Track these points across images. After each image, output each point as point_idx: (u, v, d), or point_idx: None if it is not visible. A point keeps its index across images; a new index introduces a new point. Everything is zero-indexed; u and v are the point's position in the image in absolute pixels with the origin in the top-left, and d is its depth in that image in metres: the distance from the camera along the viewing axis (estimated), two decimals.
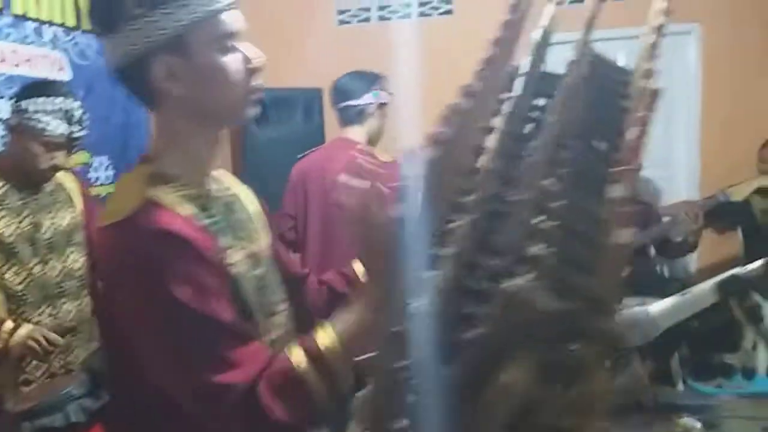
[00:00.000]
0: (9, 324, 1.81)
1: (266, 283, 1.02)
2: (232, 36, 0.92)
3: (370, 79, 2.54)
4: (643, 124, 0.96)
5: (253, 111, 0.98)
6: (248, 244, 1.01)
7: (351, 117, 2.48)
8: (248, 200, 1.10)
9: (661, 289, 3.68)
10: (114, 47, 0.90)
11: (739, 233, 3.74)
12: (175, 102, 0.92)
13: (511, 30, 1.16)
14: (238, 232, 1.01)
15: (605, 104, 1.12)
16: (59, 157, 1.90)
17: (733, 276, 1.10)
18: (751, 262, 3.60)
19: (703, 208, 3.30)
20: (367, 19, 4.02)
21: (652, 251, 3.78)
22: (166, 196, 0.91)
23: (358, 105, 2.47)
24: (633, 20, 3.78)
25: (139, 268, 0.85)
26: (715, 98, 3.82)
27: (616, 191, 0.82)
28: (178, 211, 0.90)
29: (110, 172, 3.06)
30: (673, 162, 4.03)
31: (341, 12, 3.93)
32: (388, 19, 4.00)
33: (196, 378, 0.84)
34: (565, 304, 0.67)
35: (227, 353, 0.84)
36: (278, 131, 3.67)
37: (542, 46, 1.33)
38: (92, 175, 2.97)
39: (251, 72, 0.95)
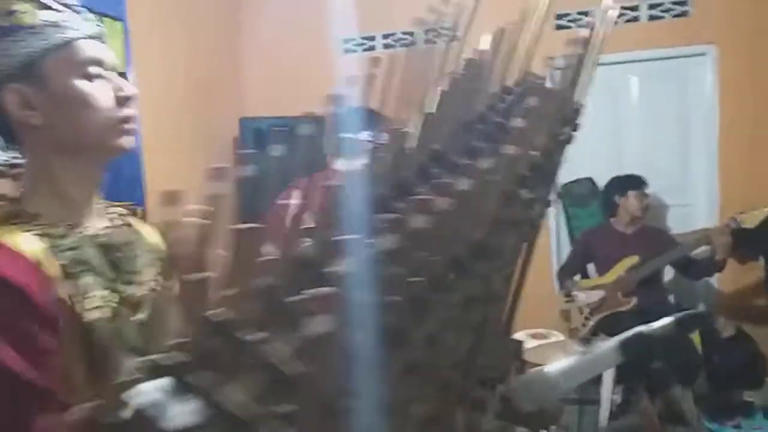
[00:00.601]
0: None
1: (152, 327, 0.95)
2: (92, 63, 0.89)
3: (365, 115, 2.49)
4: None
5: (127, 142, 0.93)
6: (126, 288, 0.94)
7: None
8: (149, 241, 1.03)
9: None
10: None
11: (762, 262, 3.56)
12: (36, 133, 0.89)
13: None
14: (115, 274, 0.94)
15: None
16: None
17: (638, 334, 0.98)
18: None
19: (726, 229, 3.16)
20: (372, 48, 4.01)
21: (667, 278, 3.63)
22: (13, 236, 0.85)
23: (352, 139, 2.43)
24: (645, 43, 3.69)
25: None
26: (734, 122, 3.67)
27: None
28: (25, 252, 0.84)
29: None
30: (692, 189, 3.87)
31: (347, 41, 3.93)
32: (393, 46, 3.97)
33: None
34: None
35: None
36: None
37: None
38: None
39: (121, 100, 0.91)
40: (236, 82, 4.09)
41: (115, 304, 0.90)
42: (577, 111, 1.41)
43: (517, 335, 2.94)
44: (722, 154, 3.72)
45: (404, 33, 3.96)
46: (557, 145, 1.22)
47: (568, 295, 3.50)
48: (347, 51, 3.93)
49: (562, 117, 1.30)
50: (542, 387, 0.93)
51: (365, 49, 4.01)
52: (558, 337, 2.86)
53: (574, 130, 1.42)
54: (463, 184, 0.83)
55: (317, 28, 3.96)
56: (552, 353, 2.37)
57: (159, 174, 3.10)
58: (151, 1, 3.22)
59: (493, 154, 0.97)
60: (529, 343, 2.74)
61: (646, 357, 0.95)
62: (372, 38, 4.01)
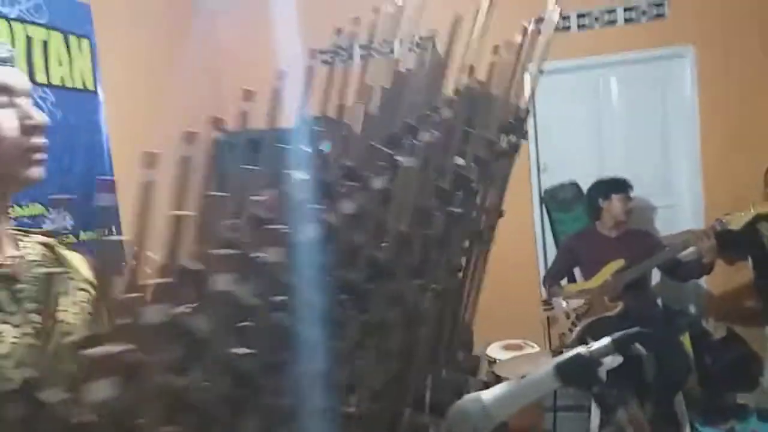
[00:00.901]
0: None
1: (62, 356, 0.89)
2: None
3: None
4: None
5: (36, 172, 0.90)
6: (32, 318, 0.89)
7: None
8: (74, 268, 0.99)
9: (669, 324, 3.48)
10: None
11: (749, 262, 3.52)
12: None
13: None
14: (17, 307, 0.88)
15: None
16: None
17: (575, 357, 0.94)
18: (764, 291, 3.39)
19: (711, 231, 3.12)
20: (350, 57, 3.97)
21: (654, 281, 3.58)
22: None
23: None
24: (623, 46, 3.68)
25: None
26: (715, 122, 3.66)
27: None
28: None
29: (68, 223, 3.03)
30: (675, 189, 3.84)
31: (322, 52, 3.91)
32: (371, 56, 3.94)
33: None
34: None
35: None
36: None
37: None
38: (48, 226, 2.94)
39: (28, 129, 0.88)
40: (210, 98, 4.06)
41: (14, 339, 0.85)
42: (520, 118, 1.37)
43: (491, 347, 2.91)
44: (704, 154, 3.70)
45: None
46: (497, 154, 1.19)
47: (547, 303, 3.45)
48: (325, 62, 3.90)
49: (501, 125, 1.26)
50: (477, 415, 0.87)
51: (342, 60, 3.98)
52: (532, 348, 2.79)
53: (520, 137, 1.39)
54: (353, 203, 0.80)
55: (292, 40, 3.94)
56: (523, 367, 2.32)
57: (131, 197, 3.05)
58: (118, 18, 3.19)
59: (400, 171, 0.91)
60: (503, 355, 2.69)
61: (585, 380, 0.89)
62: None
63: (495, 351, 2.83)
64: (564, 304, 3.40)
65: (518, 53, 1.33)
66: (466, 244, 1.19)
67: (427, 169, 0.94)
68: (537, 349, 2.79)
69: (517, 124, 1.31)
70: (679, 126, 3.77)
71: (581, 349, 0.95)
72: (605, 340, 0.96)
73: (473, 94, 1.19)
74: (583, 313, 3.33)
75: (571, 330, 3.36)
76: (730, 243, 3.24)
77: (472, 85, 1.23)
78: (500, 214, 1.38)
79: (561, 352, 2.18)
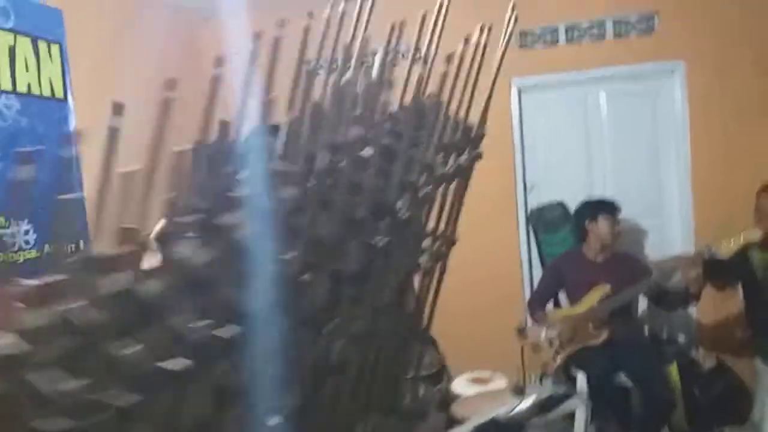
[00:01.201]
0: None
1: None
2: None
3: None
4: None
5: None
6: None
7: None
8: None
9: (656, 353, 3.32)
10: None
11: (740, 291, 3.36)
12: None
13: None
14: None
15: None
16: None
17: (492, 422, 0.83)
18: (754, 321, 3.24)
19: (699, 258, 2.96)
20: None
21: (641, 309, 3.43)
22: None
23: None
24: (612, 60, 3.54)
25: None
26: (706, 140, 3.52)
27: None
28: None
29: (31, 237, 2.84)
30: (665, 210, 3.70)
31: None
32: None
33: None
34: None
35: None
36: None
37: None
38: (9, 240, 2.74)
39: None
40: (187, 106, 3.89)
41: None
42: (470, 137, 1.20)
43: (458, 379, 2.73)
44: (695, 173, 3.55)
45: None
46: (438, 178, 1.02)
47: (521, 332, 3.29)
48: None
49: (446, 145, 1.09)
50: None
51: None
52: (500, 383, 2.59)
53: (473, 158, 1.22)
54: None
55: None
56: (483, 405, 2.14)
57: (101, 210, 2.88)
58: (91, 23, 3.03)
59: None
60: (468, 390, 2.51)
61: None
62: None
63: (461, 384, 2.64)
64: (543, 333, 3.24)
65: (472, 63, 1.18)
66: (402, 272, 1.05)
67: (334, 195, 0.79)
68: (504, 383, 2.58)
69: (465, 144, 1.14)
70: (669, 144, 3.63)
71: (502, 412, 0.87)
72: (530, 400, 0.87)
73: (415, 112, 1.02)
74: (567, 340, 3.16)
75: (554, 359, 3.20)
76: (718, 271, 3.09)
77: (415, 101, 1.07)
78: (451, 242, 1.22)
79: (522, 390, 2.01)
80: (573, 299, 3.28)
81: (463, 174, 1.05)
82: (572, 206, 3.50)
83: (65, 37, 2.95)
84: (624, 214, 3.43)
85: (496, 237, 3.70)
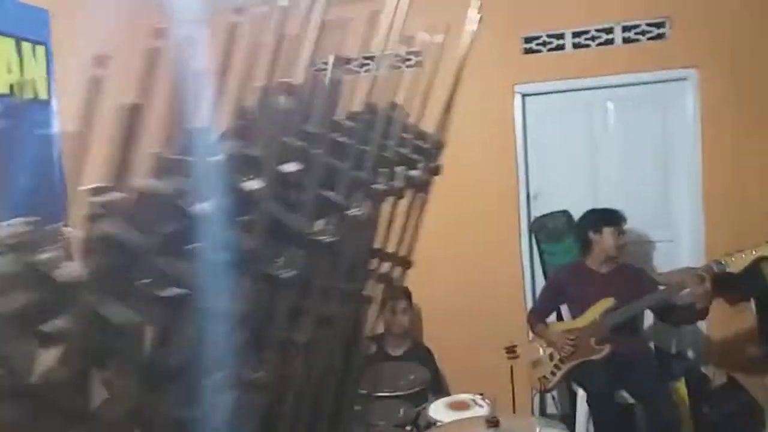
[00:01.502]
0: None
1: None
2: None
3: None
4: None
5: None
6: None
7: None
8: None
9: (662, 369, 3.21)
10: None
11: (752, 305, 3.24)
12: None
13: None
14: None
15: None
16: None
17: None
18: (767, 335, 3.10)
19: (707, 274, 2.85)
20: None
21: (647, 323, 3.32)
22: None
23: None
24: (621, 67, 3.44)
25: None
26: (718, 151, 3.40)
27: None
28: None
29: None
30: (675, 223, 3.58)
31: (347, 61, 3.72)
32: (357, 72, 3.74)
33: None
34: None
35: None
36: None
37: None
38: None
39: None
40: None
41: None
42: (425, 148, 1.14)
43: (435, 404, 2.65)
44: (706, 185, 3.43)
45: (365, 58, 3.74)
46: (382, 193, 0.96)
47: (511, 350, 3.19)
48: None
49: (398, 158, 1.03)
50: None
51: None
52: (478, 410, 2.47)
53: (430, 172, 1.15)
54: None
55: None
56: None
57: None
58: (76, 24, 3.02)
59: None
60: (445, 416, 2.43)
61: None
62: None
63: (438, 409, 2.54)
64: (541, 351, 3.14)
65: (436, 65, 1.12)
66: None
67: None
68: (484, 410, 2.46)
69: (420, 155, 1.08)
70: (680, 155, 3.51)
71: None
72: None
73: (364, 121, 0.97)
74: (567, 355, 3.07)
75: (553, 374, 3.11)
76: (728, 286, 2.97)
77: (366, 108, 1.01)
78: (407, 264, 1.15)
79: (497, 422, 1.90)
80: (575, 312, 3.18)
81: (419, 189, 0.99)
82: (577, 216, 3.41)
83: (50, 37, 2.93)
84: (631, 225, 3.33)
85: (497, 247, 3.61)
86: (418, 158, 0.99)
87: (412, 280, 3.92)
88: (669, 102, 3.51)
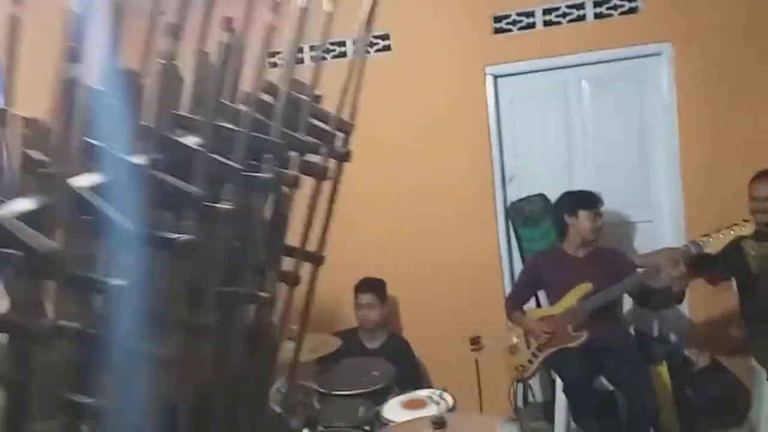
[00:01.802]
0: None
1: None
2: None
3: None
4: None
5: None
6: None
7: None
8: None
9: (643, 354, 3.13)
10: None
11: (733, 284, 3.15)
12: None
13: None
14: None
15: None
16: None
17: None
18: (750, 317, 3.02)
19: (684, 255, 2.76)
20: (301, 61, 3.65)
21: (626, 307, 3.23)
22: None
23: None
24: (593, 44, 3.33)
25: None
26: (696, 127, 3.30)
27: None
28: None
29: None
30: (653, 202, 3.48)
31: (272, 54, 3.58)
32: (324, 59, 3.61)
33: None
34: None
35: None
36: None
37: None
38: None
39: None
40: None
41: None
42: (324, 130, 1.03)
43: (390, 403, 2.55)
44: (685, 162, 3.33)
45: (332, 43, 3.62)
46: (262, 182, 0.86)
47: (475, 341, 3.10)
48: (315, 59, 3.54)
49: (294, 140, 0.93)
50: None
51: (335, 56, 3.64)
52: (434, 408, 2.32)
53: (339, 156, 1.05)
54: None
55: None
56: None
57: None
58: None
59: None
60: (399, 416, 2.33)
61: None
62: (299, 50, 3.66)
63: (393, 409, 2.42)
64: (512, 340, 3.05)
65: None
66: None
67: None
68: (440, 407, 2.33)
69: (320, 139, 0.98)
70: (657, 132, 3.41)
71: None
72: None
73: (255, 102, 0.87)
74: (544, 343, 2.98)
75: (531, 362, 3.02)
76: (707, 266, 2.88)
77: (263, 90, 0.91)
78: (317, 260, 1.04)
79: (443, 422, 1.80)
80: (553, 299, 3.09)
81: (318, 177, 0.88)
82: (554, 198, 3.32)
83: None
84: (609, 207, 3.24)
85: (473, 233, 3.51)
86: (317, 143, 0.89)
87: (389, 270, 3.81)
88: (644, 78, 3.41)
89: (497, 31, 3.41)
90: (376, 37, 3.57)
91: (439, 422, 1.63)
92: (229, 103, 0.85)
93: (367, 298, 3.28)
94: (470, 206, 3.51)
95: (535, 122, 3.52)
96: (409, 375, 3.14)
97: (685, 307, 3.38)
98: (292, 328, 2.81)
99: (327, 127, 0.92)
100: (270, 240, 0.90)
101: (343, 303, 3.43)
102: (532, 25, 3.39)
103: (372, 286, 3.30)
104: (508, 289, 3.50)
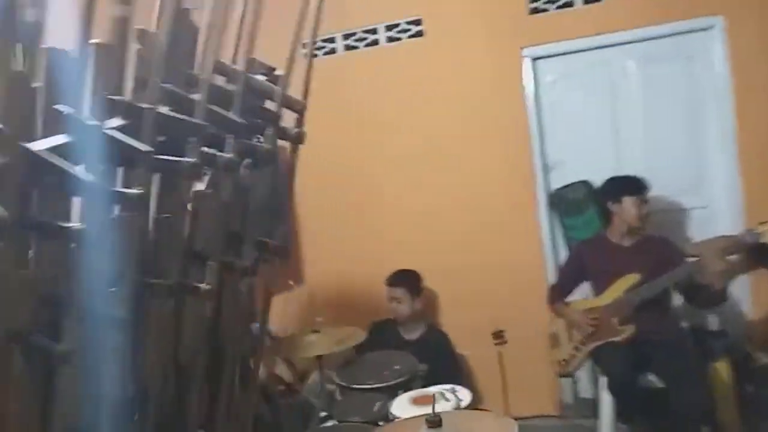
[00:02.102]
0: None
1: None
2: None
3: None
4: None
5: None
6: None
7: None
8: None
9: (697, 350, 2.93)
10: None
11: None
12: None
13: None
14: None
15: None
16: None
17: None
18: None
19: (738, 245, 2.57)
20: (333, 51, 3.61)
21: (677, 300, 3.04)
22: None
23: None
24: (639, 21, 3.14)
25: None
26: (752, 105, 3.07)
27: None
28: None
29: None
30: (709, 187, 3.26)
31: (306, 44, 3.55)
32: (355, 47, 3.56)
33: None
34: None
35: None
36: None
37: None
38: None
39: None
40: None
41: None
42: (267, 109, 0.97)
43: (399, 399, 2.44)
44: (742, 144, 3.10)
45: (365, 31, 3.56)
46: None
47: (498, 336, 2.96)
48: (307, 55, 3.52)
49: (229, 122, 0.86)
50: None
51: (326, 52, 3.62)
52: (444, 405, 2.18)
53: (293, 137, 0.99)
54: None
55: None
56: None
57: None
58: None
59: None
60: (405, 412, 2.22)
61: None
62: (332, 40, 3.62)
63: (401, 405, 2.29)
64: (559, 331, 2.90)
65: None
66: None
67: None
68: (450, 404, 2.21)
69: (265, 120, 0.91)
70: (710, 112, 3.19)
71: None
72: None
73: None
74: (589, 336, 2.83)
75: (573, 356, 2.88)
76: (764, 257, 2.66)
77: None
78: (281, 253, 0.97)
79: (439, 421, 1.69)
80: (598, 290, 2.94)
81: (263, 162, 0.82)
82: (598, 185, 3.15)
83: None
84: (660, 193, 3.06)
85: (515, 222, 3.38)
86: (260, 124, 0.82)
87: (427, 262, 3.70)
88: (694, 54, 3.19)
89: (533, 11, 3.27)
90: (408, 23, 3.48)
91: (434, 420, 1.55)
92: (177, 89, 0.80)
93: (395, 292, 3.21)
94: (511, 195, 3.38)
95: (577, 106, 3.35)
96: (447, 369, 3.05)
97: (746, 300, 3.16)
98: (319, 320, 2.77)
99: (271, 107, 0.86)
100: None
101: (382, 294, 3.36)
102: (570, 4, 3.23)
103: (401, 280, 3.22)
104: (552, 278, 3.35)
